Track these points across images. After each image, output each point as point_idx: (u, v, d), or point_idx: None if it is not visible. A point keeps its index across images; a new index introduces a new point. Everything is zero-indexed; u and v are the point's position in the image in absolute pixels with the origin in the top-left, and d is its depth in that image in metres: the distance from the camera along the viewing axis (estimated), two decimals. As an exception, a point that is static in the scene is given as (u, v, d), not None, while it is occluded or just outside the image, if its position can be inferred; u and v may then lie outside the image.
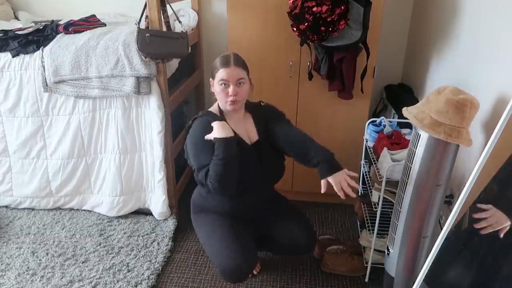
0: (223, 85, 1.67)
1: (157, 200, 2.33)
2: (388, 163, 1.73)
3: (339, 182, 1.57)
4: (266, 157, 1.79)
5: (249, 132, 1.79)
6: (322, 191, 1.61)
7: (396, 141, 1.93)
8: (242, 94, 1.70)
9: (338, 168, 1.61)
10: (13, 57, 2.17)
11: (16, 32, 2.27)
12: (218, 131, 1.63)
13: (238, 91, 1.68)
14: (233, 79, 1.66)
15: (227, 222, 1.80)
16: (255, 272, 2.03)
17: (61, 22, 2.34)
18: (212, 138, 1.63)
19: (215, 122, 1.66)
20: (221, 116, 1.74)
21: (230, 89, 1.66)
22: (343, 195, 1.57)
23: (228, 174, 1.62)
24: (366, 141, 2.12)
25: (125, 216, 2.40)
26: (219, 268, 1.75)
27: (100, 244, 2.18)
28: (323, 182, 1.61)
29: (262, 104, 1.89)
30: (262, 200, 1.88)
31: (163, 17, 2.07)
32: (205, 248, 1.87)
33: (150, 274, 1.97)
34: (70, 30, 2.23)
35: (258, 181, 1.82)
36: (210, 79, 1.75)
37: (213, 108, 1.78)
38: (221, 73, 1.66)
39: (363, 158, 2.21)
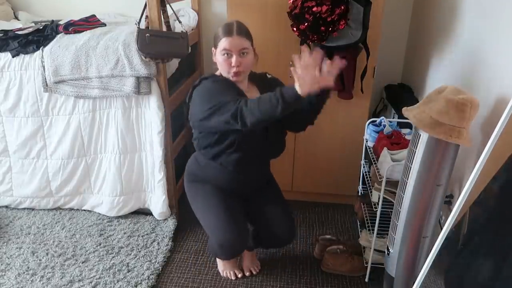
0: (225, 55, 1.62)
1: (157, 200, 2.33)
2: (388, 163, 1.73)
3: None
4: (272, 132, 1.75)
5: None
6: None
7: (396, 141, 1.93)
8: (245, 65, 1.64)
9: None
10: (13, 57, 2.17)
11: (16, 32, 2.27)
12: (308, 85, 1.36)
13: (242, 61, 1.62)
14: (236, 48, 1.61)
15: (222, 195, 1.81)
16: (254, 272, 2.03)
17: (61, 22, 2.34)
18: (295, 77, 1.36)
19: (309, 67, 1.36)
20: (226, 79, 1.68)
21: (233, 60, 1.61)
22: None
23: (270, 119, 1.45)
24: (366, 141, 2.13)
25: (125, 216, 2.40)
26: (214, 240, 1.79)
27: (100, 244, 2.18)
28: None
29: (268, 76, 1.82)
30: (261, 175, 1.89)
31: (163, 17, 2.07)
32: (200, 219, 1.88)
33: (150, 274, 1.97)
34: (70, 30, 2.23)
35: (261, 156, 1.80)
36: (212, 49, 1.70)
37: (218, 74, 1.73)
38: (223, 43, 1.61)
39: (363, 158, 2.21)
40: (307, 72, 1.36)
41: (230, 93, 1.58)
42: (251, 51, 1.66)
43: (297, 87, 1.39)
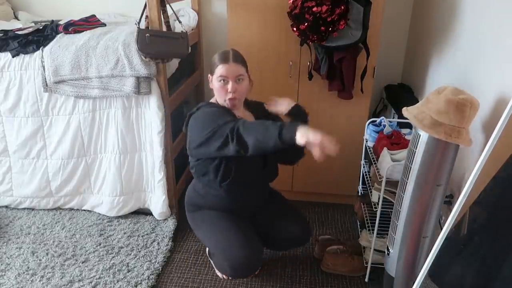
0: (222, 81, 1.65)
1: (157, 200, 2.33)
2: (388, 163, 1.73)
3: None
4: (270, 160, 1.81)
5: None
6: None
7: (396, 141, 1.93)
8: (241, 91, 1.68)
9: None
10: (13, 57, 2.17)
11: (16, 32, 2.27)
12: (311, 136, 1.40)
13: (237, 88, 1.66)
14: (232, 75, 1.65)
15: (228, 216, 1.79)
16: (255, 272, 2.03)
17: (61, 22, 2.34)
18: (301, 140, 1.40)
19: (323, 138, 1.42)
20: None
21: (229, 86, 1.65)
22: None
23: (261, 145, 1.45)
24: (366, 141, 2.13)
25: (125, 216, 2.40)
26: (227, 263, 1.73)
27: (100, 244, 2.18)
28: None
29: (266, 105, 1.85)
30: (260, 198, 1.89)
31: (163, 17, 2.07)
32: (209, 245, 1.86)
33: (150, 274, 1.97)
34: (70, 30, 2.23)
35: (259, 182, 1.82)
36: (209, 75, 1.74)
37: (214, 101, 1.76)
38: (220, 69, 1.65)
39: (363, 158, 2.21)
40: (324, 144, 1.40)
41: (227, 116, 1.60)
42: (246, 77, 1.71)
43: (298, 135, 1.39)
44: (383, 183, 1.72)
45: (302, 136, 1.38)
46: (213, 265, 2.04)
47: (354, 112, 2.32)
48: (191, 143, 1.69)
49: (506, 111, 1.14)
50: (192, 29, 2.60)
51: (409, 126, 2.12)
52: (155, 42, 2.00)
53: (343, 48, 2.05)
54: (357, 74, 2.19)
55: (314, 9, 1.95)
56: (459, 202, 1.24)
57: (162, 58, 2.08)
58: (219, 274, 2.00)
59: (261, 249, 1.82)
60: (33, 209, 2.48)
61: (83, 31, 2.24)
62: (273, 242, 1.96)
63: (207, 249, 2.13)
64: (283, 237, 1.90)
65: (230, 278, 1.96)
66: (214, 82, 1.69)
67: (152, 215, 2.40)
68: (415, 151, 1.46)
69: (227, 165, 1.69)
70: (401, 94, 2.50)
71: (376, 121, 2.12)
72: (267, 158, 1.79)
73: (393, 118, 2.42)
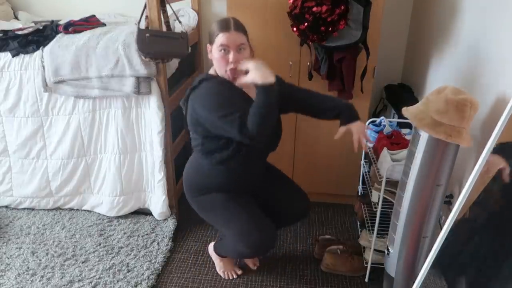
0: (223, 51, 1.58)
1: (157, 200, 2.33)
2: (388, 163, 1.73)
3: (358, 132, 1.69)
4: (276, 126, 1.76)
5: (250, 91, 1.66)
6: (337, 137, 1.72)
7: (396, 141, 1.93)
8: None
9: (358, 117, 1.71)
10: (13, 57, 2.17)
11: (16, 32, 2.27)
12: (259, 74, 1.47)
13: (239, 57, 1.58)
14: (233, 44, 1.57)
15: (236, 198, 1.78)
16: (254, 267, 2.04)
17: (61, 22, 2.34)
18: (250, 82, 1.47)
19: (251, 62, 1.50)
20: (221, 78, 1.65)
21: (231, 56, 1.57)
22: (356, 146, 1.69)
23: (269, 122, 1.51)
24: (366, 141, 2.12)
25: (125, 216, 2.40)
26: (244, 245, 1.74)
27: (100, 244, 2.18)
28: (341, 129, 1.71)
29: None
30: (264, 168, 1.90)
31: (163, 17, 2.07)
32: (223, 229, 1.85)
33: (150, 274, 1.97)
34: (70, 30, 2.23)
35: (265, 149, 1.81)
36: (208, 45, 1.67)
37: (213, 73, 1.69)
38: (220, 38, 1.57)
39: (363, 158, 2.21)
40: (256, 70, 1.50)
41: (237, 102, 1.56)
42: (248, 46, 1.63)
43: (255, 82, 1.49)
44: (383, 183, 1.72)
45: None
46: (216, 264, 2.03)
47: (354, 112, 2.32)
48: (202, 118, 1.61)
49: (506, 111, 1.14)
50: (192, 29, 2.60)
51: (409, 126, 2.12)
52: (155, 42, 2.00)
53: (343, 48, 2.05)
54: (357, 74, 2.19)
55: (314, 9, 1.95)
56: (459, 202, 1.24)
57: (162, 58, 2.08)
58: (220, 273, 2.01)
59: (274, 227, 1.82)
60: (33, 209, 2.48)
61: (83, 31, 2.24)
62: (276, 217, 1.94)
63: (208, 246, 2.13)
64: (286, 211, 1.93)
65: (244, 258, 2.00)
66: (214, 52, 1.61)
67: (152, 215, 2.40)
68: (415, 151, 1.46)
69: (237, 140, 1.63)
70: (401, 94, 2.50)
71: (376, 121, 2.12)
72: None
73: (393, 118, 2.42)
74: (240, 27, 1.61)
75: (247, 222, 1.74)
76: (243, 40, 1.60)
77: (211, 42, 1.64)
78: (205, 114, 1.59)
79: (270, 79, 1.49)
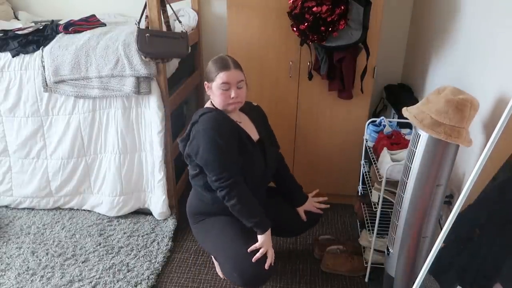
0: (224, 88, 1.67)
1: (157, 200, 2.33)
2: (388, 163, 1.73)
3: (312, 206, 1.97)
4: (269, 156, 1.82)
5: (250, 130, 1.79)
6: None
7: (396, 141, 1.93)
8: (242, 96, 1.71)
9: (306, 198, 1.98)
10: (13, 57, 2.17)
11: (16, 32, 2.27)
12: (265, 244, 1.66)
13: (239, 93, 1.69)
14: (233, 81, 1.67)
15: (238, 225, 1.72)
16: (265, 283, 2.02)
17: (61, 22, 2.34)
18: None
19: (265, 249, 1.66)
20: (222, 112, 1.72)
21: (232, 92, 1.67)
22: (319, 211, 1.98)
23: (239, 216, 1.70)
24: (366, 141, 2.13)
25: (125, 216, 2.40)
26: (237, 274, 1.64)
27: (100, 244, 2.18)
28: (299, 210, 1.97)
29: (254, 104, 1.93)
30: (263, 196, 1.90)
31: (163, 17, 2.07)
32: (218, 255, 1.79)
33: (150, 274, 1.97)
34: (70, 30, 2.23)
35: (263, 180, 1.83)
36: (205, 83, 1.74)
37: (210, 105, 1.77)
38: (222, 77, 1.66)
39: (363, 158, 2.21)
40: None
41: (230, 157, 1.66)
42: (244, 82, 1.73)
43: (259, 237, 1.67)
44: (383, 183, 1.72)
45: (260, 240, 1.66)
46: (216, 266, 2.03)
47: (354, 112, 2.32)
48: (198, 155, 1.68)
49: (506, 111, 1.14)
50: (192, 29, 2.60)
51: (409, 126, 2.12)
52: (155, 42, 2.00)
53: (343, 48, 2.05)
54: (357, 74, 2.19)
55: (314, 9, 1.95)
56: (459, 202, 1.25)
57: (162, 58, 2.08)
58: (220, 274, 2.00)
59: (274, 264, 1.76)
60: (33, 209, 2.48)
61: (83, 31, 2.24)
62: (286, 230, 2.00)
63: None
64: (295, 225, 1.97)
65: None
66: (215, 89, 1.69)
67: (152, 215, 2.40)
68: (415, 151, 1.46)
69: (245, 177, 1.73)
70: (401, 94, 2.50)
71: (376, 121, 2.12)
72: (266, 153, 1.80)
73: (393, 118, 2.42)
74: (238, 65, 1.72)
75: (244, 252, 1.65)
76: (241, 76, 1.70)
77: (210, 80, 1.71)
78: (202, 162, 1.68)
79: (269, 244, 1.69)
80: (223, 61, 1.69)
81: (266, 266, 1.63)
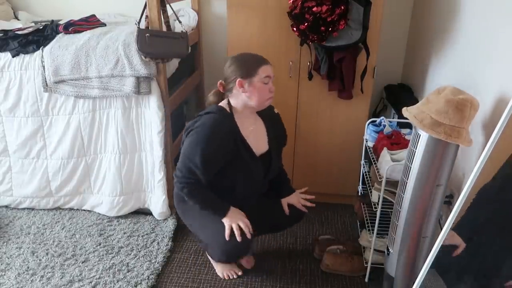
0: (266, 82, 1.68)
1: (157, 200, 2.33)
2: (388, 163, 1.73)
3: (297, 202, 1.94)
4: (273, 168, 1.85)
5: (259, 140, 1.80)
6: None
7: (396, 141, 1.93)
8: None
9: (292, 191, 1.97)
10: (13, 57, 2.17)
11: (16, 32, 2.27)
12: (232, 221, 1.71)
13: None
14: (272, 75, 1.71)
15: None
16: (249, 267, 2.04)
17: (61, 22, 2.34)
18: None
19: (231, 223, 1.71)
20: (232, 118, 1.73)
21: (271, 85, 1.70)
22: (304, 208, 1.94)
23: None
24: (366, 141, 2.12)
25: (125, 216, 2.40)
26: (220, 250, 1.79)
27: (100, 244, 2.18)
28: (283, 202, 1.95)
29: (275, 112, 1.91)
30: (257, 197, 1.93)
31: (163, 17, 2.07)
32: (201, 235, 1.88)
33: (150, 274, 1.97)
34: (70, 30, 2.23)
35: (259, 189, 1.87)
36: (239, 79, 1.66)
37: (225, 105, 1.75)
38: (264, 70, 1.67)
39: (363, 158, 2.21)
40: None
41: (210, 166, 1.68)
42: None
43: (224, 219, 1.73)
44: (383, 183, 1.72)
45: (226, 224, 1.72)
46: (215, 266, 2.03)
47: (354, 112, 2.32)
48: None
49: (506, 111, 1.14)
50: (192, 29, 2.60)
51: (409, 126, 2.12)
52: (155, 42, 2.00)
53: (343, 48, 2.05)
54: (357, 74, 2.19)
55: (314, 9, 1.95)
56: (459, 202, 1.25)
57: (162, 58, 2.08)
58: (220, 275, 2.00)
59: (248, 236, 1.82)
60: (33, 209, 2.48)
61: (83, 31, 2.24)
62: (266, 223, 1.98)
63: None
64: (278, 216, 1.96)
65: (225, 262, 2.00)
66: (258, 83, 1.66)
67: (152, 215, 2.40)
68: (415, 151, 1.46)
69: (237, 186, 1.77)
70: (401, 94, 2.50)
71: (376, 121, 2.12)
72: (270, 165, 1.84)
73: (393, 118, 2.42)
74: None
75: (222, 231, 1.74)
76: None
77: (248, 76, 1.66)
78: (181, 153, 1.72)
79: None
80: (258, 56, 1.70)
81: (247, 236, 1.71)
